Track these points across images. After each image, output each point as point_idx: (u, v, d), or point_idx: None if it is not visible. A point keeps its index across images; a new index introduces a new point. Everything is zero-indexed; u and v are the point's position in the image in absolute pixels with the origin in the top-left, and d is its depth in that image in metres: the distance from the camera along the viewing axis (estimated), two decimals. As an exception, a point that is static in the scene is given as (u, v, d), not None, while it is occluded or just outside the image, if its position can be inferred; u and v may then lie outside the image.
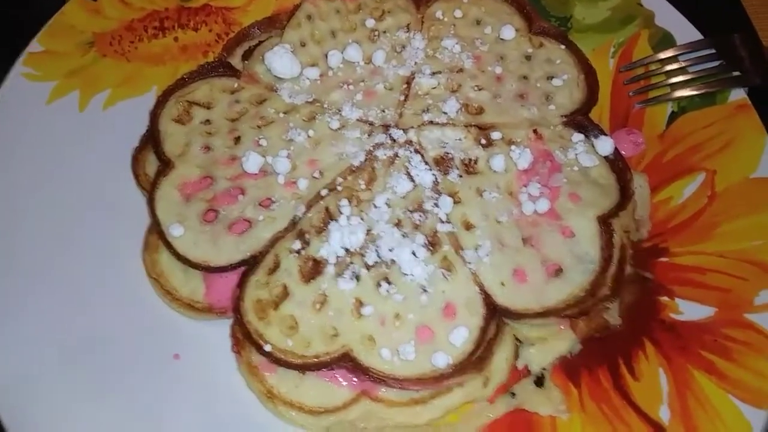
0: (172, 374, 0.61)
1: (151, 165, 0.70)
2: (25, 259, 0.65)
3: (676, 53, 0.80)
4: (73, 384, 0.60)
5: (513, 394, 0.61)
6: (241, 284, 0.62)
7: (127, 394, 0.60)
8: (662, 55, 0.80)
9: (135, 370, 0.61)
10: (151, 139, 0.70)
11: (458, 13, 0.81)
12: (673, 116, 0.77)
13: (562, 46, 0.79)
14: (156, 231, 0.65)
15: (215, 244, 0.64)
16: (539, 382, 0.62)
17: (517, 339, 0.63)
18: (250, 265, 0.64)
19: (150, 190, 0.67)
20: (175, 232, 0.64)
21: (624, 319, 0.64)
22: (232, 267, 0.63)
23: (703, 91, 0.77)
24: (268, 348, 0.59)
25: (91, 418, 0.59)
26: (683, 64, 0.79)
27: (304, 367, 0.59)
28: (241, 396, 0.60)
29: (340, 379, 0.61)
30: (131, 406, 0.60)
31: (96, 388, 0.60)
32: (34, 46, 0.77)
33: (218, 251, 0.63)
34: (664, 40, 0.82)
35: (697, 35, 0.81)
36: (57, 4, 0.81)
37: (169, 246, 0.63)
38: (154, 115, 0.72)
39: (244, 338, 0.61)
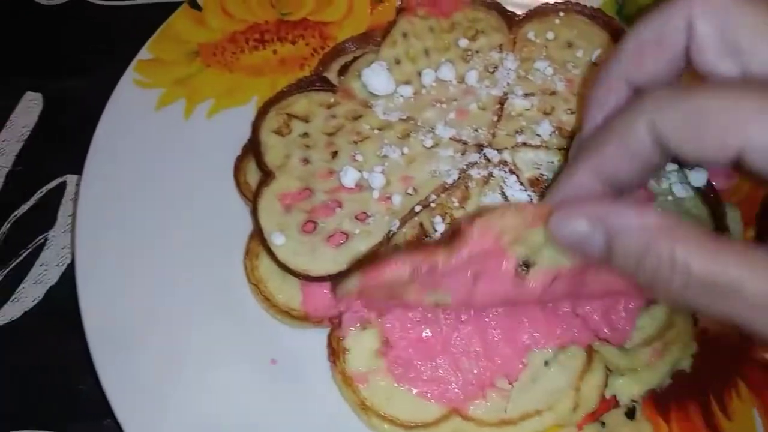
0: (269, 379, 0.63)
1: (252, 174, 0.73)
2: (129, 262, 0.68)
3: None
4: (171, 379, 0.63)
5: (603, 423, 0.61)
6: (339, 295, 0.64)
7: (223, 395, 0.62)
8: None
9: (233, 372, 0.63)
10: (253, 150, 0.73)
11: (550, 35, 0.82)
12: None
13: (655, 73, 0.78)
14: (259, 238, 0.67)
15: (314, 255, 0.66)
16: (630, 414, 0.62)
17: (607, 368, 0.63)
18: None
19: (253, 199, 0.69)
20: (277, 240, 0.66)
21: (715, 355, 0.64)
22: (330, 277, 0.65)
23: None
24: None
25: (186, 413, 0.61)
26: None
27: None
28: (335, 405, 0.62)
29: (430, 396, 0.62)
30: (226, 406, 0.62)
31: (193, 385, 0.63)
32: (144, 53, 0.80)
33: (317, 261, 0.65)
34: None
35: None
36: (162, 8, 0.84)
37: (271, 254, 0.66)
38: (256, 127, 0.74)
39: (339, 349, 0.63)
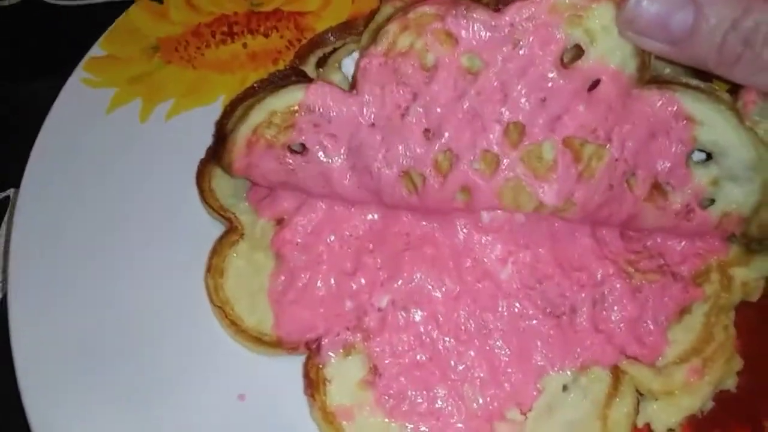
0: (237, 418, 0.53)
1: (218, 179, 0.64)
2: (76, 280, 0.59)
3: None
4: (125, 422, 0.53)
5: (637, 459, 0.51)
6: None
7: (185, 437, 0.53)
8: None
9: (195, 412, 0.54)
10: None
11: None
12: None
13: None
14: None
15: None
16: (668, 445, 0.52)
17: (638, 392, 0.53)
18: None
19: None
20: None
21: (765, 370, 0.54)
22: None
23: None
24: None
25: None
26: None
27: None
28: (314, 447, 0.52)
29: (427, 431, 0.52)
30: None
31: (151, 429, 0.53)
32: (96, 50, 0.72)
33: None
34: None
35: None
36: (122, 8, 0.76)
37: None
38: (221, 126, 0.66)
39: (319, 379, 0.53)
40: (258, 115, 0.56)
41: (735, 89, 0.51)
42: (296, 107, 0.54)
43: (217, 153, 0.60)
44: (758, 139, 0.50)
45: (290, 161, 0.55)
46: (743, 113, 0.50)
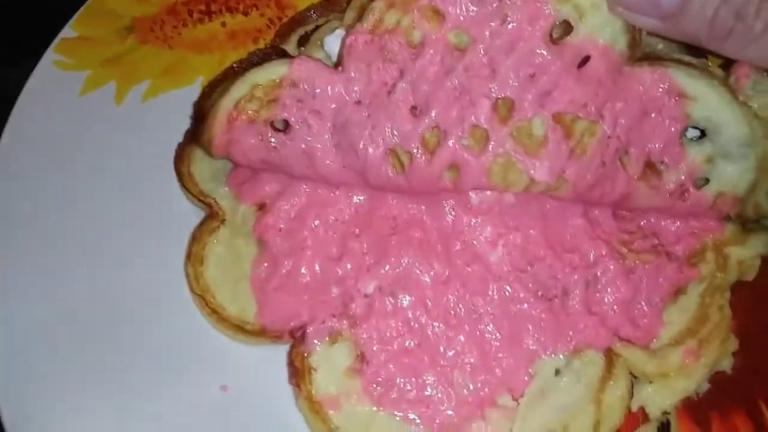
0: (219, 409, 0.52)
1: (197, 163, 0.62)
2: (50, 269, 0.57)
3: None
4: (104, 415, 0.52)
5: (632, 444, 0.50)
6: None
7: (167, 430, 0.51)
8: None
9: (176, 404, 0.52)
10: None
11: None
12: None
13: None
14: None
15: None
16: (664, 429, 0.51)
17: (632, 374, 0.52)
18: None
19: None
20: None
21: (761, 350, 0.53)
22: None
23: None
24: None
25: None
26: None
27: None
28: (300, 437, 0.51)
29: (418, 420, 0.51)
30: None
31: (131, 422, 0.51)
32: (68, 31, 0.69)
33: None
34: None
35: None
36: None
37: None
38: (200, 107, 0.63)
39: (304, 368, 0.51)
40: (240, 88, 0.54)
41: (728, 64, 0.50)
42: (279, 80, 0.52)
43: (196, 132, 0.58)
44: (752, 114, 0.49)
45: (272, 138, 0.53)
46: (736, 88, 0.49)
